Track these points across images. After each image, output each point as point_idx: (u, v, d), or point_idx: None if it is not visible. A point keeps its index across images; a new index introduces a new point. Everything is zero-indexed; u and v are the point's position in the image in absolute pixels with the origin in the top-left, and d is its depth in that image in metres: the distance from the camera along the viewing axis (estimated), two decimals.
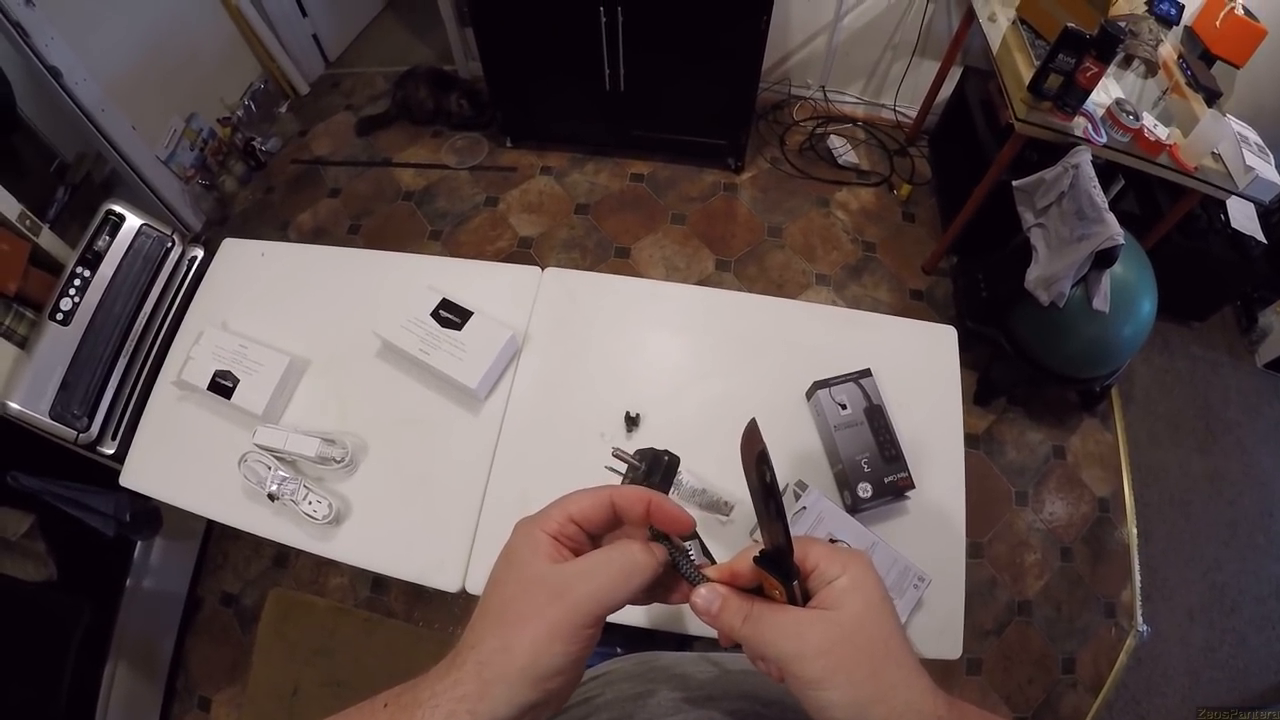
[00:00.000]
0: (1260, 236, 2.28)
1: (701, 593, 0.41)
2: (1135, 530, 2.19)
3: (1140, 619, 2.06)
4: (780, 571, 0.39)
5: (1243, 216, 2.30)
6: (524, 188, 2.73)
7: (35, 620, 1.48)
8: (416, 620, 1.93)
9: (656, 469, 0.83)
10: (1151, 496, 2.27)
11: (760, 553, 0.39)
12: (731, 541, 1.00)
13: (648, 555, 0.40)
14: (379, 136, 2.87)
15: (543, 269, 1.26)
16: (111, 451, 1.43)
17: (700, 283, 2.50)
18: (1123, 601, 2.09)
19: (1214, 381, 2.56)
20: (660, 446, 0.85)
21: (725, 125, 2.59)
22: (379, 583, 1.99)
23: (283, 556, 2.02)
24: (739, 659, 0.61)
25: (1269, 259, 2.33)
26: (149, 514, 1.70)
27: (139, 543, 1.76)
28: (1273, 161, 1.88)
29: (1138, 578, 2.12)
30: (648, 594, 0.42)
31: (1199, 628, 2.10)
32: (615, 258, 2.58)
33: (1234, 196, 1.94)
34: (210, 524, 2.04)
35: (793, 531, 0.39)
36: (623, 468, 0.83)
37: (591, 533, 0.43)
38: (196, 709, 1.86)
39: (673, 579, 0.43)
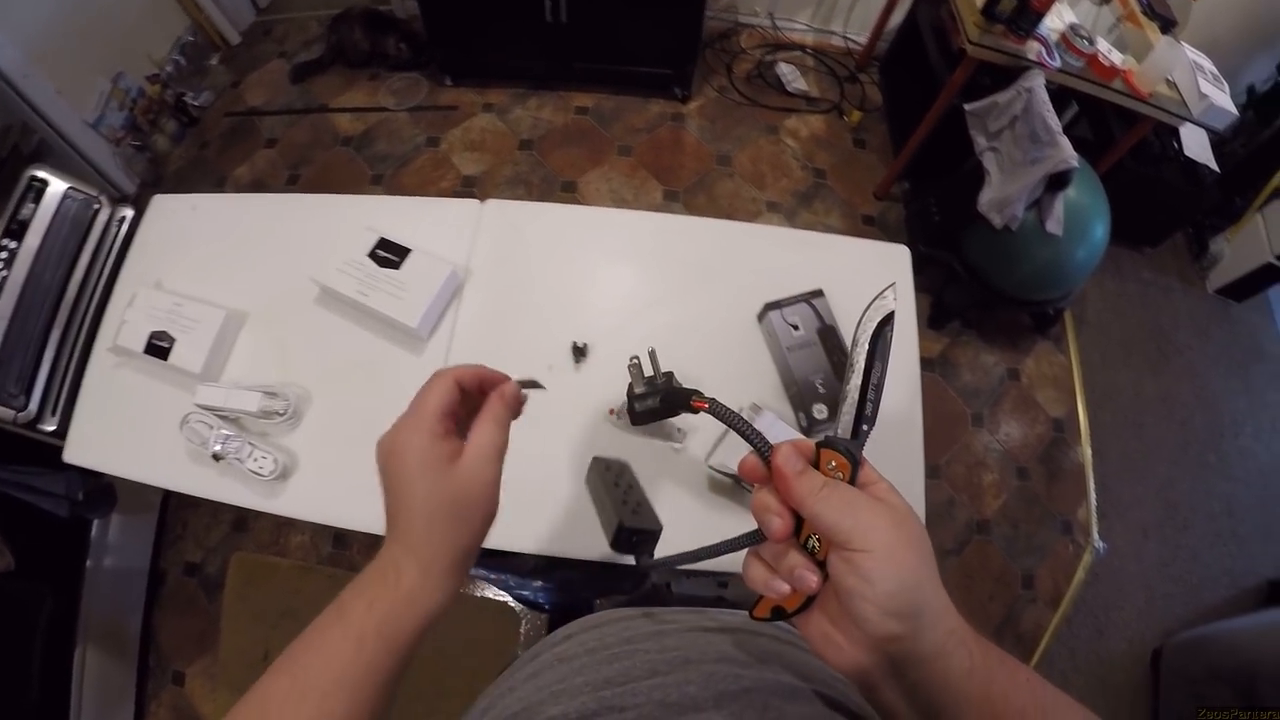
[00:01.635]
0: (1213, 165, 2.30)
1: (784, 450, 0.41)
2: (1090, 450, 2.26)
3: (1096, 536, 2.13)
4: (849, 454, 0.41)
5: (1195, 145, 2.32)
6: (465, 126, 2.65)
7: None
8: None
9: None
10: (1105, 417, 2.33)
11: (825, 437, 0.42)
12: (684, 472, 1.00)
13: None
14: (314, 82, 2.74)
15: (483, 202, 1.22)
16: (53, 429, 1.36)
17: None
18: (1079, 519, 2.16)
19: (1165, 306, 2.62)
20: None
21: (671, 55, 2.53)
22: (340, 538, 1.97)
23: (242, 520, 1.99)
24: (685, 618, 0.59)
25: (1221, 187, 2.37)
26: (102, 490, 1.65)
27: (95, 521, 1.71)
28: (1227, 90, 1.89)
29: (1093, 496, 2.19)
30: (761, 570, 0.43)
31: (1153, 544, 2.18)
32: (561, 192, 2.52)
33: (1187, 124, 1.95)
34: (167, 494, 1.99)
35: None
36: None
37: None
38: (171, 684, 1.84)
39: (777, 554, 0.43)
